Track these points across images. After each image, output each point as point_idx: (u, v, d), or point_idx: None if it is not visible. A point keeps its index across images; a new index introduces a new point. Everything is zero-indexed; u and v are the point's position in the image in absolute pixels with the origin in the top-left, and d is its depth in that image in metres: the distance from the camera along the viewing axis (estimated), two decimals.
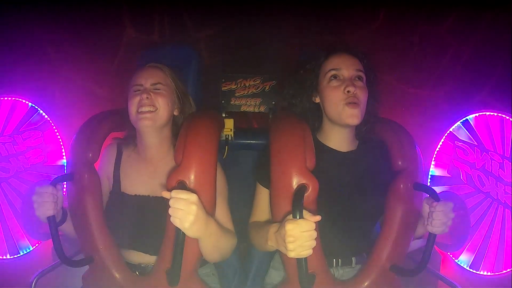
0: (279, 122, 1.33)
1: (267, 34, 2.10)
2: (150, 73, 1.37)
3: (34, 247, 2.02)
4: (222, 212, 1.30)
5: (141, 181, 1.38)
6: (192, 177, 1.15)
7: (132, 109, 1.33)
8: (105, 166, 1.43)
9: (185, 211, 1.04)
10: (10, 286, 1.95)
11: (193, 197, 1.06)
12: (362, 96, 1.28)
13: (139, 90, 1.34)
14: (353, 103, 1.26)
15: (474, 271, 1.96)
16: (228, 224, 1.32)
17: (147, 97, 1.31)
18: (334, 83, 1.30)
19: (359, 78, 1.31)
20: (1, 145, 1.97)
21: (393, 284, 1.30)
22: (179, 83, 1.42)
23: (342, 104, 1.27)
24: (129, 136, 1.44)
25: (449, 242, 1.81)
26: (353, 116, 1.26)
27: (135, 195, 1.36)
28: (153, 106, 1.32)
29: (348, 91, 1.26)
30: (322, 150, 1.35)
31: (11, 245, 2.00)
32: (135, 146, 1.43)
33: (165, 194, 1.06)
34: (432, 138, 2.06)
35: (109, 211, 1.35)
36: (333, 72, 1.31)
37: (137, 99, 1.32)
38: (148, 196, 1.35)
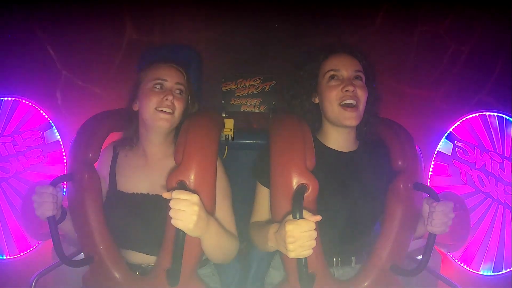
0: (279, 122, 1.33)
1: (267, 35, 2.10)
2: (175, 73, 1.36)
3: (34, 247, 2.02)
4: (225, 214, 1.30)
5: (138, 179, 1.37)
6: (192, 177, 1.15)
7: (150, 104, 1.31)
8: (101, 169, 1.42)
9: (187, 212, 1.04)
10: (10, 286, 1.95)
11: (195, 197, 1.05)
12: (361, 95, 1.28)
13: (161, 86, 1.32)
14: (350, 106, 1.26)
15: (474, 271, 1.96)
16: (231, 227, 1.31)
17: (171, 99, 1.30)
18: (333, 82, 1.31)
19: (358, 78, 1.31)
20: (1, 145, 1.97)
21: (393, 284, 1.30)
22: (191, 87, 1.43)
23: (339, 104, 1.27)
24: (126, 137, 1.44)
25: (449, 242, 1.82)
26: (351, 118, 1.27)
27: (132, 193, 1.36)
28: (172, 109, 1.31)
29: (346, 90, 1.27)
30: (322, 150, 1.35)
31: (11, 245, 2.00)
32: (133, 146, 1.43)
33: (166, 195, 1.06)
34: (432, 138, 2.06)
35: (106, 210, 1.35)
36: (331, 73, 1.31)
37: (159, 96, 1.30)
38: (147, 194, 1.35)
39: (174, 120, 1.33)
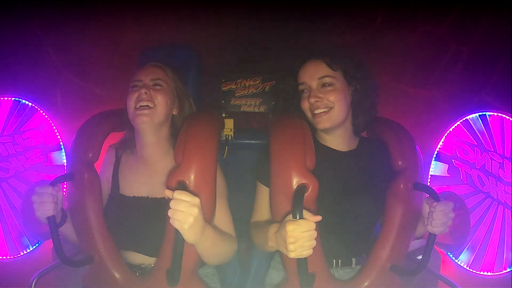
0: (279, 122, 1.34)
1: (268, 34, 2.10)
2: (151, 70, 1.38)
3: (34, 247, 2.02)
4: (222, 215, 1.30)
5: (139, 182, 1.38)
6: (192, 177, 1.15)
7: (130, 104, 1.32)
8: (104, 171, 1.43)
9: (185, 213, 1.04)
10: (10, 286, 1.95)
11: (195, 200, 1.05)
12: (333, 99, 1.30)
13: (137, 86, 1.34)
14: (318, 114, 1.30)
15: (474, 271, 1.96)
16: (229, 227, 1.31)
17: (145, 92, 1.31)
18: (304, 95, 1.36)
19: (327, 84, 1.32)
20: (1, 145, 1.97)
21: (393, 284, 1.30)
22: (178, 83, 1.42)
23: (311, 113, 1.33)
24: (127, 140, 1.44)
25: (449, 242, 1.81)
26: (321, 122, 1.31)
27: (134, 196, 1.36)
28: (151, 102, 1.31)
29: (311, 102, 1.31)
30: (322, 151, 1.35)
31: (11, 245, 2.00)
32: (133, 149, 1.43)
33: (168, 193, 1.06)
34: (432, 138, 2.06)
35: (108, 213, 1.35)
36: (301, 87, 1.37)
37: (135, 94, 1.32)
38: (147, 197, 1.35)
39: (157, 114, 1.32)
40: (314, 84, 1.33)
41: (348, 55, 1.38)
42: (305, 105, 1.34)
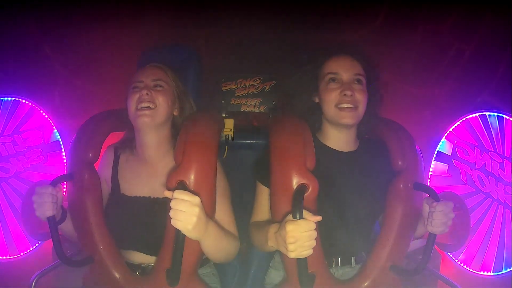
0: (279, 122, 1.34)
1: (267, 34, 2.10)
2: (151, 71, 1.38)
3: (34, 247, 2.02)
4: (224, 214, 1.30)
5: (140, 182, 1.38)
6: (192, 177, 1.15)
7: (132, 105, 1.32)
8: (103, 170, 1.43)
9: (187, 213, 1.04)
10: (10, 286, 1.95)
11: (196, 199, 1.05)
12: (360, 98, 1.30)
13: (138, 87, 1.34)
14: (348, 108, 1.28)
15: (474, 271, 1.96)
16: (231, 227, 1.31)
17: (147, 93, 1.31)
18: (333, 85, 1.32)
19: (359, 81, 1.32)
20: (1, 145, 1.97)
21: (393, 284, 1.30)
22: (179, 84, 1.42)
23: (338, 106, 1.29)
24: (126, 140, 1.45)
25: (449, 242, 1.81)
26: (347, 117, 1.29)
27: (135, 196, 1.36)
28: (152, 103, 1.31)
29: (344, 95, 1.28)
30: (322, 150, 1.35)
31: (11, 245, 2.00)
32: (133, 149, 1.43)
33: (167, 194, 1.06)
34: (432, 138, 2.06)
35: (109, 213, 1.35)
36: (331, 76, 1.33)
37: (136, 95, 1.32)
38: (149, 197, 1.35)
39: (158, 114, 1.32)
40: (346, 77, 1.31)
41: (374, 63, 1.38)
42: (331, 96, 1.31)
